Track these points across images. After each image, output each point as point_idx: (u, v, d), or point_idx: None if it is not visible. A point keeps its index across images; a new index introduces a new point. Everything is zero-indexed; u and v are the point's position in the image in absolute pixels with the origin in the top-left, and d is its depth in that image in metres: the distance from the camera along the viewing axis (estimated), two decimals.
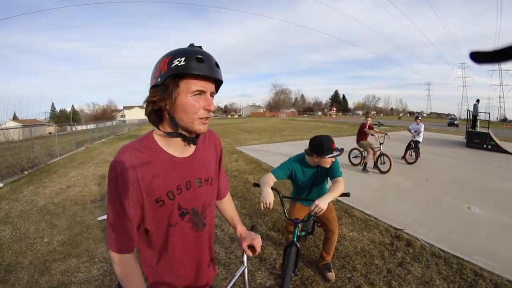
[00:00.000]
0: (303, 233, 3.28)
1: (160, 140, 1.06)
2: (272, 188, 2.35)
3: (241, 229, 1.45)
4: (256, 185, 2.55)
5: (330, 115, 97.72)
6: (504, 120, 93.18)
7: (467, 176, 7.38)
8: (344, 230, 3.91)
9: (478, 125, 14.78)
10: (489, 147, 12.25)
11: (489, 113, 15.73)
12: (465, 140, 14.12)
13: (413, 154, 8.74)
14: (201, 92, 1.00)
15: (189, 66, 0.94)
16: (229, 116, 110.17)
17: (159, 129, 1.05)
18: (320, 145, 2.43)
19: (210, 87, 1.02)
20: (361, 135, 7.68)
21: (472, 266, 3.13)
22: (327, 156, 2.42)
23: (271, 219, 4.31)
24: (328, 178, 2.70)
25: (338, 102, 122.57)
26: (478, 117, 14.83)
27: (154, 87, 0.99)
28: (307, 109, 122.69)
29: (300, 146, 12.32)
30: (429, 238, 3.75)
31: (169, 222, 1.08)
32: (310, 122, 39.99)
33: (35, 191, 6.34)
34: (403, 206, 4.95)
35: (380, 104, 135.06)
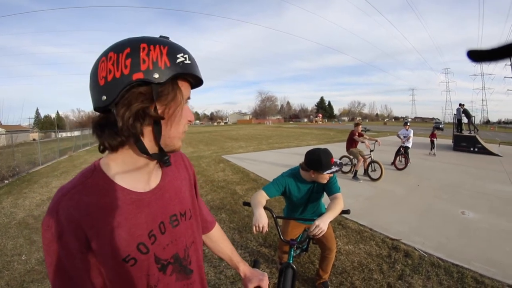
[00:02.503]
0: (297, 252, 3.08)
1: (112, 170, 0.75)
2: (265, 208, 2.12)
3: (244, 268, 1.21)
4: (247, 204, 2.30)
5: (316, 121, 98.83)
6: (487, 122, 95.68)
7: (458, 180, 7.38)
8: (339, 243, 3.72)
9: (464, 128, 14.96)
10: (476, 150, 12.41)
11: (474, 116, 15.94)
12: (452, 144, 14.24)
13: (403, 160, 8.72)
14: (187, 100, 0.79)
15: (195, 67, 0.74)
16: (215, 124, 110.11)
17: (147, 153, 0.73)
18: (318, 161, 2.20)
19: None
20: (351, 142, 7.58)
21: (473, 273, 3.05)
22: (325, 172, 2.21)
23: (261, 234, 4.07)
24: (325, 193, 2.48)
25: (323, 108, 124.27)
26: (462, 121, 15.00)
27: (144, 86, 0.67)
28: (293, 116, 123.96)
29: (287, 154, 12.26)
30: (426, 247, 3.63)
31: (148, 284, 0.77)
32: (296, 129, 40.19)
33: (15, 202, 6.03)
34: (397, 214, 4.83)
35: (366, 110, 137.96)
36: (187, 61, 0.71)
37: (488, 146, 12.54)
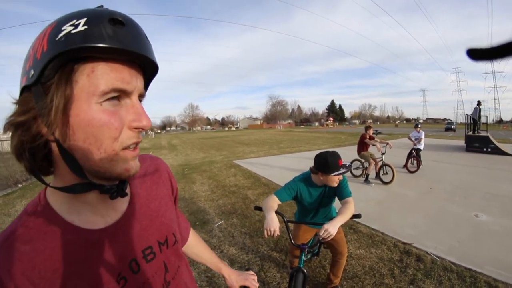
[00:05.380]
0: (308, 256, 3.10)
1: (58, 201, 0.55)
2: (276, 212, 2.14)
3: (226, 269, 1.12)
4: (258, 208, 2.32)
5: (327, 125, 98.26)
6: (500, 121, 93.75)
7: (471, 181, 7.24)
8: (350, 248, 3.72)
9: (479, 128, 14.51)
10: (489, 150, 12.16)
11: (486, 116, 15.64)
12: (465, 145, 13.99)
13: (415, 162, 8.58)
14: (121, 93, 0.49)
15: (98, 33, 0.44)
16: (226, 129, 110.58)
17: (47, 184, 0.54)
18: (325, 162, 2.22)
19: (138, 81, 0.52)
20: (362, 146, 7.53)
21: (486, 278, 2.99)
22: (333, 174, 2.22)
23: (272, 238, 4.10)
24: (336, 198, 2.49)
25: (334, 112, 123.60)
26: (479, 121, 14.32)
27: (24, 92, 0.48)
28: (304, 120, 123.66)
29: (299, 158, 12.20)
30: (439, 251, 3.58)
31: None
32: (307, 133, 39.97)
33: None
34: (409, 217, 4.78)
35: (377, 113, 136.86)
36: (79, 29, 0.44)
37: (502, 146, 12.26)
